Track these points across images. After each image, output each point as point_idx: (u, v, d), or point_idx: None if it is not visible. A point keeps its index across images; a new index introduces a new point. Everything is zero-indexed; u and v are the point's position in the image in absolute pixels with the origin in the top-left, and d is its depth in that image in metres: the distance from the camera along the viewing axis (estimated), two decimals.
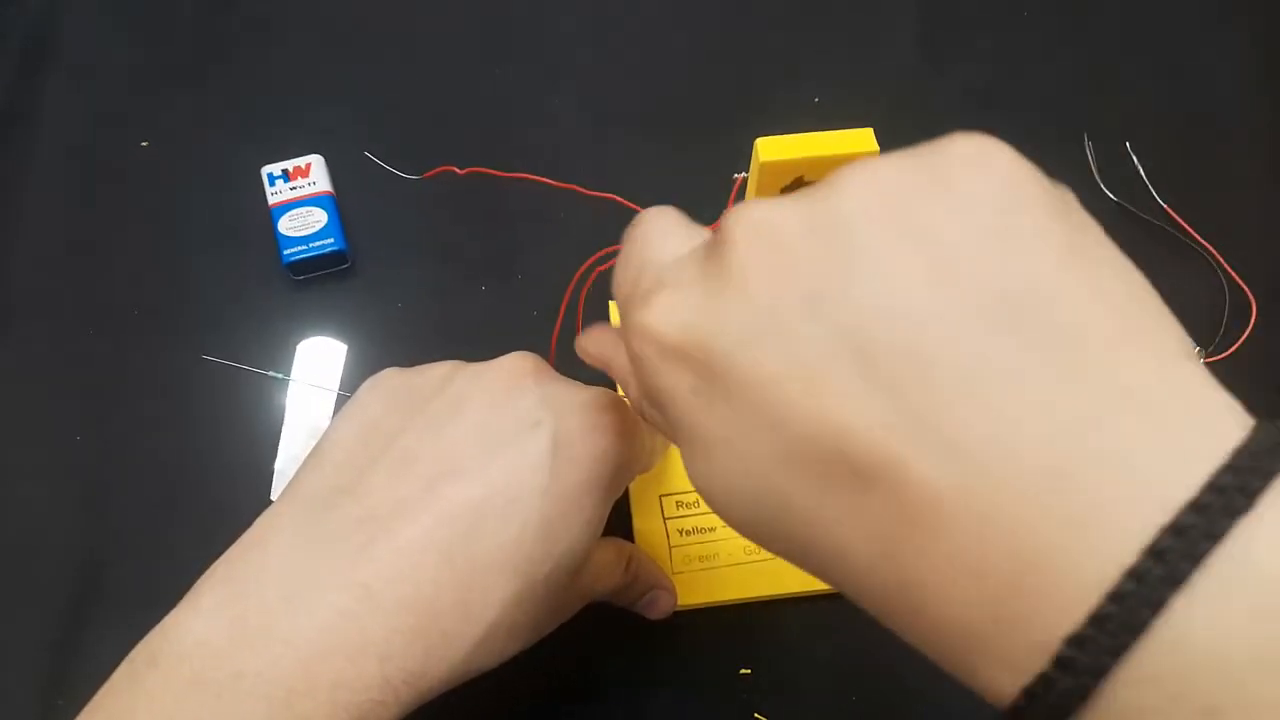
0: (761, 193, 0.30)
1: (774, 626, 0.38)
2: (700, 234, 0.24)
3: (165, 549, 0.39)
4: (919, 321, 0.16)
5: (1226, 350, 0.44)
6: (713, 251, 0.20)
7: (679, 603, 0.38)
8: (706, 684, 0.37)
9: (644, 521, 0.39)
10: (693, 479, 0.21)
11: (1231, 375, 0.47)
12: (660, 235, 0.24)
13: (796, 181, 0.30)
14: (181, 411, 0.42)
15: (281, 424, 0.41)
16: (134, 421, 0.41)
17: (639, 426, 0.31)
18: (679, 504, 0.39)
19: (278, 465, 0.41)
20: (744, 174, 0.31)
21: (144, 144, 0.48)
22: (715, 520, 0.39)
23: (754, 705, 0.37)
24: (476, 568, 0.26)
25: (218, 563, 0.27)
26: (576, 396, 0.29)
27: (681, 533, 0.39)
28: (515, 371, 0.30)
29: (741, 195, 0.32)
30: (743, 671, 0.38)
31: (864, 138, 0.29)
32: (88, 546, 0.39)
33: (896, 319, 0.17)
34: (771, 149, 0.29)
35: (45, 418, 0.42)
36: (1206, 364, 0.43)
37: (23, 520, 0.40)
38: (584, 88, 0.50)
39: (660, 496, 0.39)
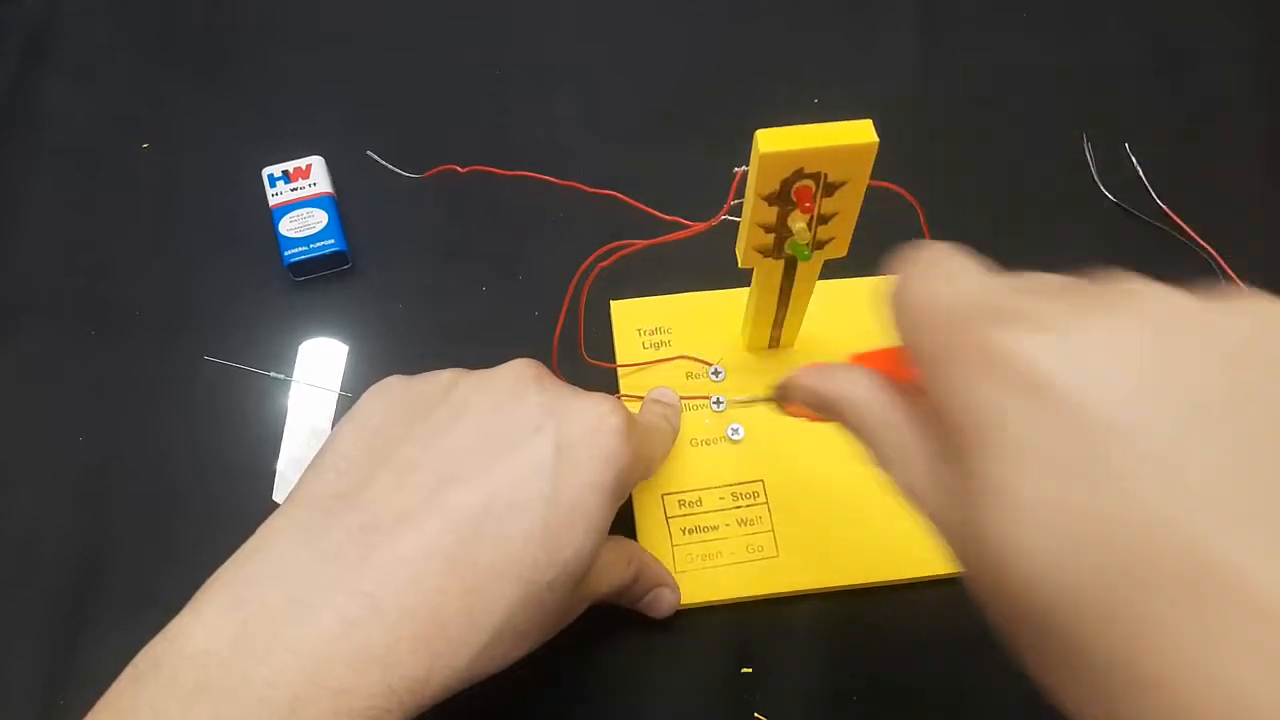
0: (762, 185, 0.30)
1: (774, 626, 0.38)
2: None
3: (165, 549, 0.39)
4: None
5: None
6: (1114, 311, 0.20)
7: (684, 601, 0.38)
8: (706, 684, 0.37)
9: (646, 520, 0.39)
10: (994, 530, 0.18)
11: None
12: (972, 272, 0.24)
13: (796, 174, 0.30)
14: (183, 412, 0.42)
15: (283, 425, 0.41)
16: (135, 422, 0.41)
17: (646, 433, 0.31)
18: (681, 503, 0.39)
19: (279, 466, 0.41)
20: (744, 168, 0.31)
21: (144, 145, 0.48)
22: (717, 519, 0.39)
23: (754, 705, 0.37)
24: (480, 575, 0.26)
25: (221, 569, 0.27)
26: (579, 402, 0.29)
27: (684, 531, 0.39)
28: (518, 378, 0.30)
29: (742, 189, 0.32)
30: (743, 671, 0.38)
31: (863, 129, 0.29)
32: (88, 546, 0.39)
33: None
34: (771, 140, 0.29)
35: (46, 418, 0.42)
36: None
37: (23, 520, 0.40)
38: (584, 87, 0.50)
39: (662, 495, 0.39)
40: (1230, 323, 0.18)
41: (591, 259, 0.37)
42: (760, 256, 0.34)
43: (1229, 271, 0.45)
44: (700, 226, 0.35)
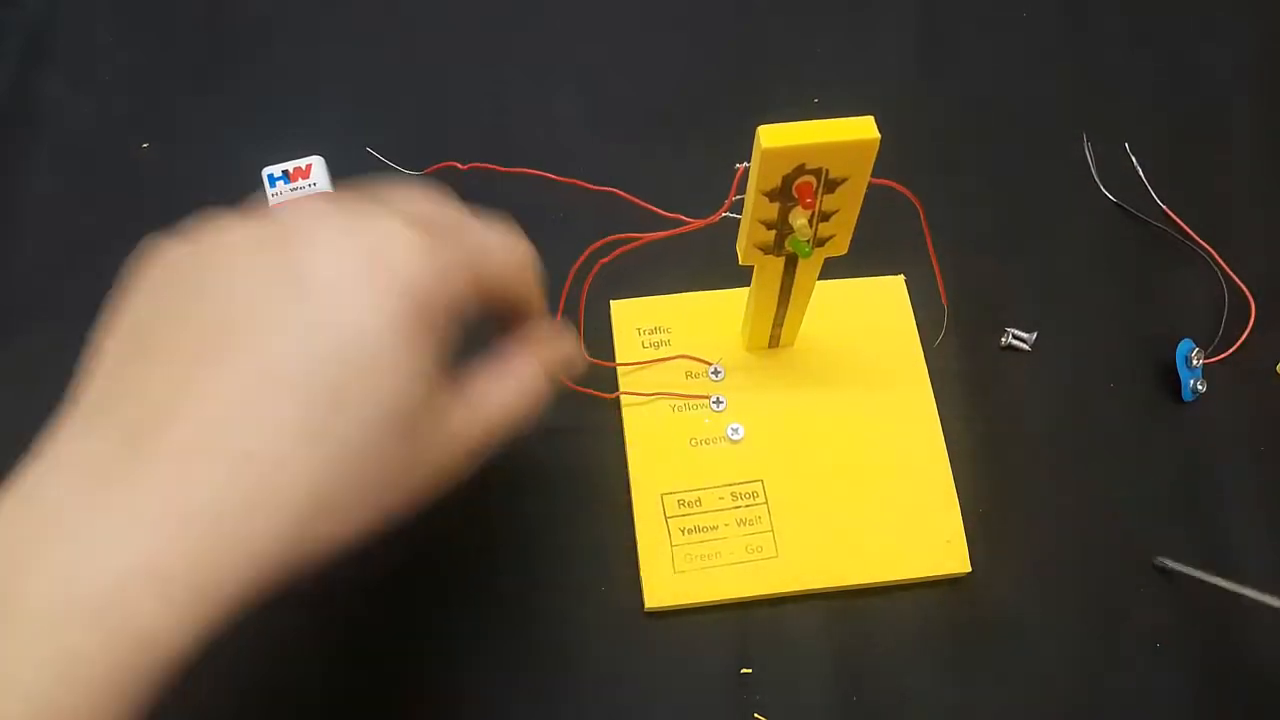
0: (763, 181, 0.30)
1: (774, 626, 0.38)
2: None
3: None
4: None
5: (1225, 351, 0.44)
6: None
7: (681, 601, 0.38)
8: (707, 684, 0.37)
9: (645, 520, 0.39)
10: None
11: (1231, 375, 0.47)
12: None
13: (798, 170, 0.30)
14: None
15: None
16: None
17: (463, 251, 0.27)
18: (680, 503, 0.39)
19: None
20: (745, 164, 0.31)
21: (144, 145, 0.48)
22: (716, 519, 0.39)
23: (754, 705, 0.37)
24: (255, 453, 0.23)
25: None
26: (351, 242, 0.25)
27: (683, 531, 0.39)
28: (281, 228, 0.26)
29: (743, 185, 0.32)
30: (743, 671, 0.38)
31: (865, 125, 0.29)
32: None
33: None
34: (773, 136, 0.29)
35: (46, 419, 0.42)
36: (1206, 364, 0.43)
37: None
38: (584, 86, 0.50)
39: (661, 495, 0.39)
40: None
41: (589, 252, 0.37)
42: (761, 254, 0.34)
43: (1229, 271, 0.45)
44: (701, 222, 0.35)
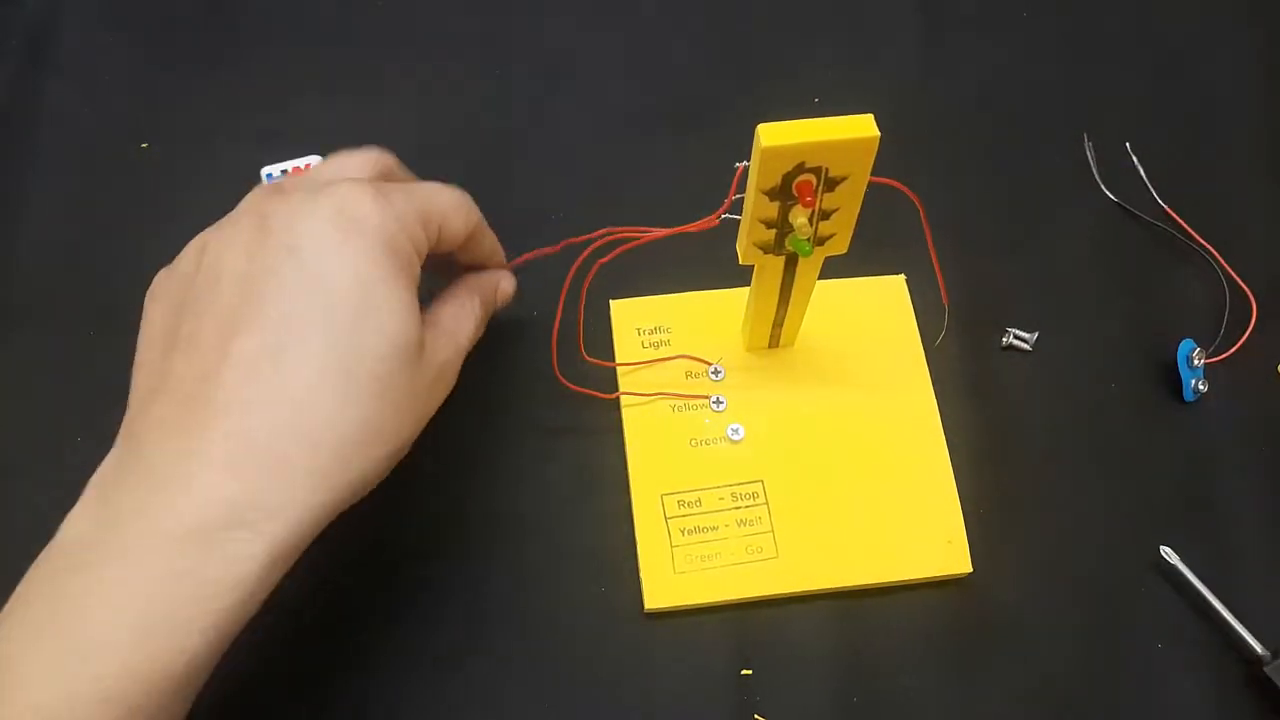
0: (764, 180, 0.30)
1: (774, 627, 0.38)
2: None
3: None
4: None
5: (1227, 351, 0.44)
6: None
7: (681, 602, 0.38)
8: (707, 685, 0.37)
9: (645, 521, 0.39)
10: None
11: (1232, 375, 0.47)
12: None
13: (798, 168, 0.30)
14: None
15: None
16: None
17: (411, 198, 0.32)
18: (680, 503, 0.39)
19: None
20: (745, 163, 0.31)
21: (144, 145, 0.48)
22: (716, 519, 0.39)
23: (754, 706, 0.37)
24: (295, 398, 0.27)
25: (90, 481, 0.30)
26: (318, 200, 0.30)
27: (683, 532, 0.39)
28: (254, 214, 0.31)
29: (743, 184, 0.32)
30: (743, 672, 0.38)
31: (865, 123, 0.29)
32: None
33: None
34: (773, 134, 0.29)
35: (45, 418, 0.42)
36: (1207, 364, 0.43)
37: (22, 521, 0.40)
38: (584, 86, 0.50)
39: (661, 496, 0.39)
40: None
41: (588, 252, 0.36)
42: (761, 253, 0.34)
43: (1230, 271, 0.45)
44: (700, 224, 0.35)
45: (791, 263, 0.35)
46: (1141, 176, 0.48)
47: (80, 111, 0.48)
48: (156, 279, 0.33)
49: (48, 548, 0.28)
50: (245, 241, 0.30)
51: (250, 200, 0.32)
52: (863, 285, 0.44)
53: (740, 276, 0.37)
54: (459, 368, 0.34)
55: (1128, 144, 0.48)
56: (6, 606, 0.28)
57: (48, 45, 0.50)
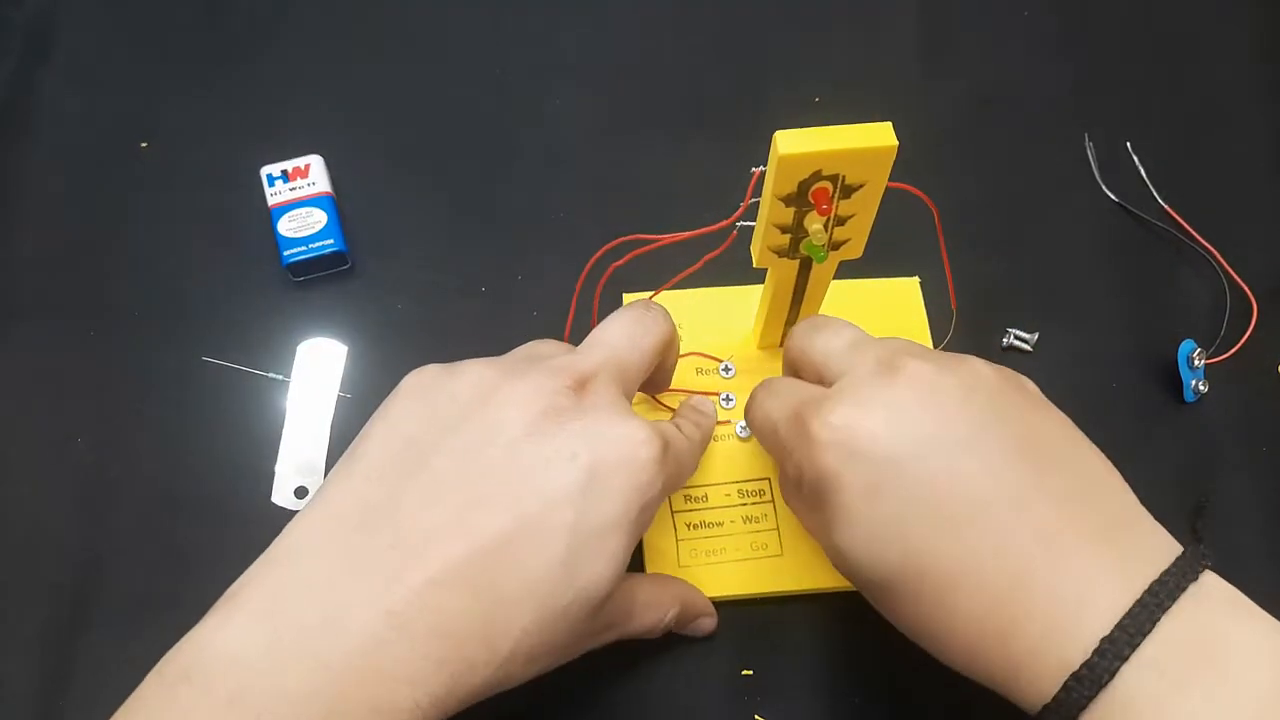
0: (779, 186, 0.30)
1: (776, 628, 0.38)
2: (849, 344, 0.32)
3: (165, 549, 0.39)
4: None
5: (1227, 351, 0.44)
6: (892, 380, 0.29)
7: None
8: (707, 684, 0.37)
9: None
10: (839, 540, 0.29)
11: (1232, 376, 0.47)
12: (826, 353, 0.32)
13: (814, 175, 0.30)
14: (181, 413, 0.42)
15: (282, 425, 0.41)
16: (134, 423, 0.41)
17: (679, 455, 0.31)
18: (687, 497, 0.39)
19: (277, 467, 0.41)
20: (761, 168, 0.31)
21: (143, 145, 0.48)
22: (723, 515, 0.39)
23: (755, 707, 0.37)
24: (500, 599, 0.27)
25: (248, 573, 0.27)
26: (616, 428, 0.29)
27: (689, 526, 0.39)
28: (554, 396, 0.29)
29: (759, 189, 0.31)
30: (744, 672, 0.38)
31: (883, 132, 0.29)
32: (88, 546, 0.39)
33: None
34: (790, 142, 0.28)
35: (45, 418, 0.42)
36: (1208, 365, 0.43)
37: (21, 520, 0.40)
38: (584, 87, 0.50)
39: None
40: (956, 380, 0.29)
41: (602, 252, 0.36)
42: (775, 256, 0.34)
43: (1231, 271, 0.45)
44: (715, 227, 0.34)
45: (806, 266, 0.35)
46: (1142, 176, 0.48)
47: (80, 111, 0.48)
48: (419, 376, 0.30)
49: (189, 655, 0.26)
50: (535, 418, 0.28)
51: (554, 374, 0.30)
52: (878, 286, 0.44)
53: (752, 274, 0.37)
54: (610, 638, 0.33)
55: (1128, 144, 0.48)
56: (129, 715, 0.26)
57: (47, 45, 0.50)
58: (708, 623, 0.37)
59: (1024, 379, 0.31)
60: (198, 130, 0.48)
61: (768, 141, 0.30)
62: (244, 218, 0.45)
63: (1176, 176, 0.48)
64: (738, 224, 0.33)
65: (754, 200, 0.32)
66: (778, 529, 0.39)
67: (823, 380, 0.32)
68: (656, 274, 0.38)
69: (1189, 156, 0.49)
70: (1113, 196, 0.48)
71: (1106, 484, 0.29)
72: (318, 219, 0.44)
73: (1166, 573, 0.25)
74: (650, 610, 0.34)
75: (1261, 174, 0.49)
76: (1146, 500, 0.33)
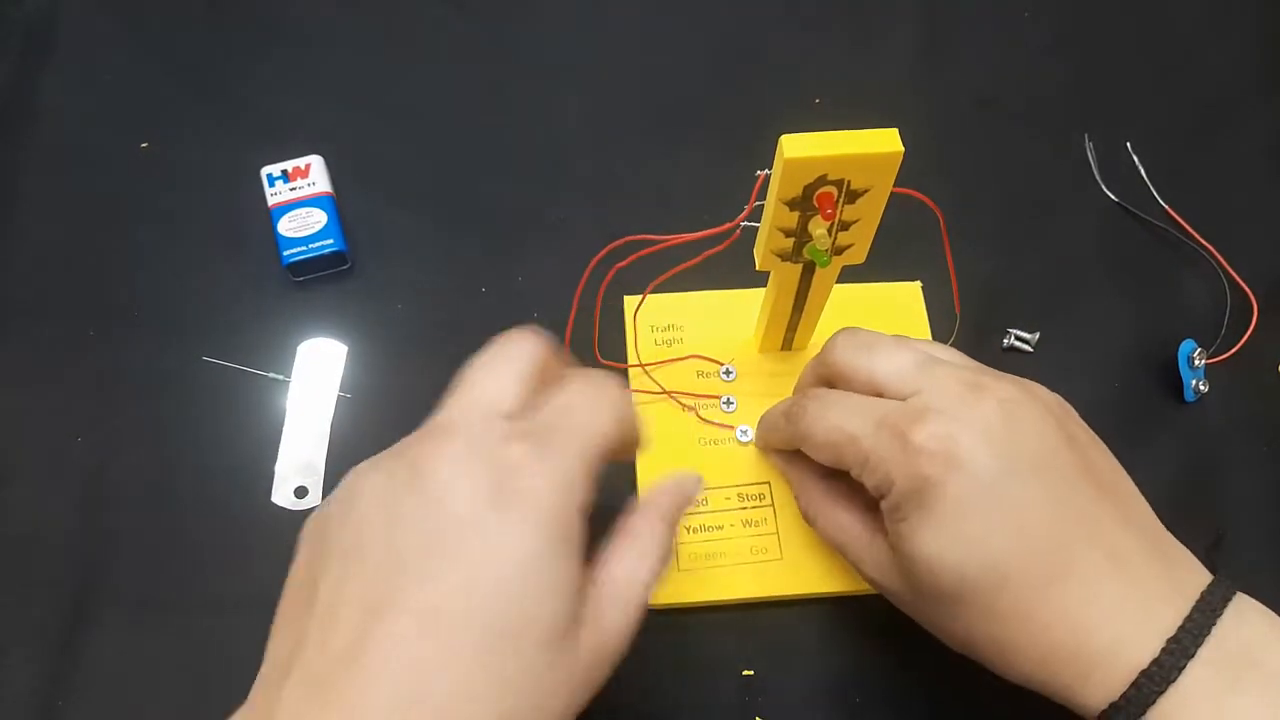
0: (784, 190, 0.30)
1: (776, 629, 0.38)
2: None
3: (165, 549, 0.39)
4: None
5: (1228, 351, 0.44)
6: (979, 399, 0.30)
7: (684, 599, 0.38)
8: (707, 685, 0.37)
9: None
10: (927, 547, 0.30)
11: (1233, 376, 0.47)
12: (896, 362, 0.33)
13: (819, 180, 0.30)
14: (181, 412, 0.42)
15: (282, 425, 0.41)
16: (134, 422, 0.41)
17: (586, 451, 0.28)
18: None
19: (277, 467, 0.41)
20: (766, 171, 0.31)
21: (144, 145, 0.47)
22: (722, 519, 0.39)
23: (755, 708, 0.37)
24: (442, 700, 0.24)
25: None
26: (477, 475, 0.26)
27: (688, 529, 0.39)
28: (409, 468, 0.27)
29: (763, 192, 0.31)
30: (745, 673, 0.38)
31: (889, 138, 0.29)
32: (88, 546, 0.39)
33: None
34: (796, 146, 0.28)
35: (45, 418, 0.42)
36: (1208, 365, 0.43)
37: (22, 520, 0.40)
38: (585, 87, 0.50)
39: None
40: (1033, 403, 0.31)
41: (605, 252, 0.36)
42: (778, 260, 0.34)
43: (1231, 271, 0.45)
44: (718, 229, 0.34)
45: (808, 270, 0.35)
46: (1142, 176, 0.48)
47: (80, 111, 0.48)
48: (310, 519, 0.28)
49: None
50: (392, 499, 0.26)
51: (406, 443, 0.27)
52: (880, 290, 0.44)
53: (755, 278, 0.37)
54: (630, 636, 0.29)
55: (1128, 144, 0.48)
56: None
57: (48, 44, 0.50)
58: (692, 489, 0.32)
59: (1070, 407, 0.33)
60: (198, 130, 0.48)
61: (768, 143, 0.30)
62: (244, 218, 0.45)
63: (1176, 176, 0.48)
64: (742, 224, 0.33)
65: (758, 203, 0.32)
66: (777, 533, 0.39)
67: (880, 395, 0.33)
68: (658, 275, 0.38)
69: (1189, 156, 0.49)
70: (1113, 196, 0.48)
71: (1141, 503, 0.32)
72: (318, 219, 0.44)
73: (1211, 585, 0.29)
74: (633, 573, 0.29)
75: (1261, 174, 0.49)
76: (1146, 499, 0.33)
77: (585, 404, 0.29)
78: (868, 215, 0.32)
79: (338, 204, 0.45)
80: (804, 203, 0.31)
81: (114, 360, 0.43)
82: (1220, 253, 0.46)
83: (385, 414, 0.42)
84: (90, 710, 0.36)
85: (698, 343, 0.42)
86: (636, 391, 0.41)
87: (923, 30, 0.52)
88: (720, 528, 0.39)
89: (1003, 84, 0.51)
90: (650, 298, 0.41)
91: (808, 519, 0.37)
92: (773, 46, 0.51)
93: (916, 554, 0.30)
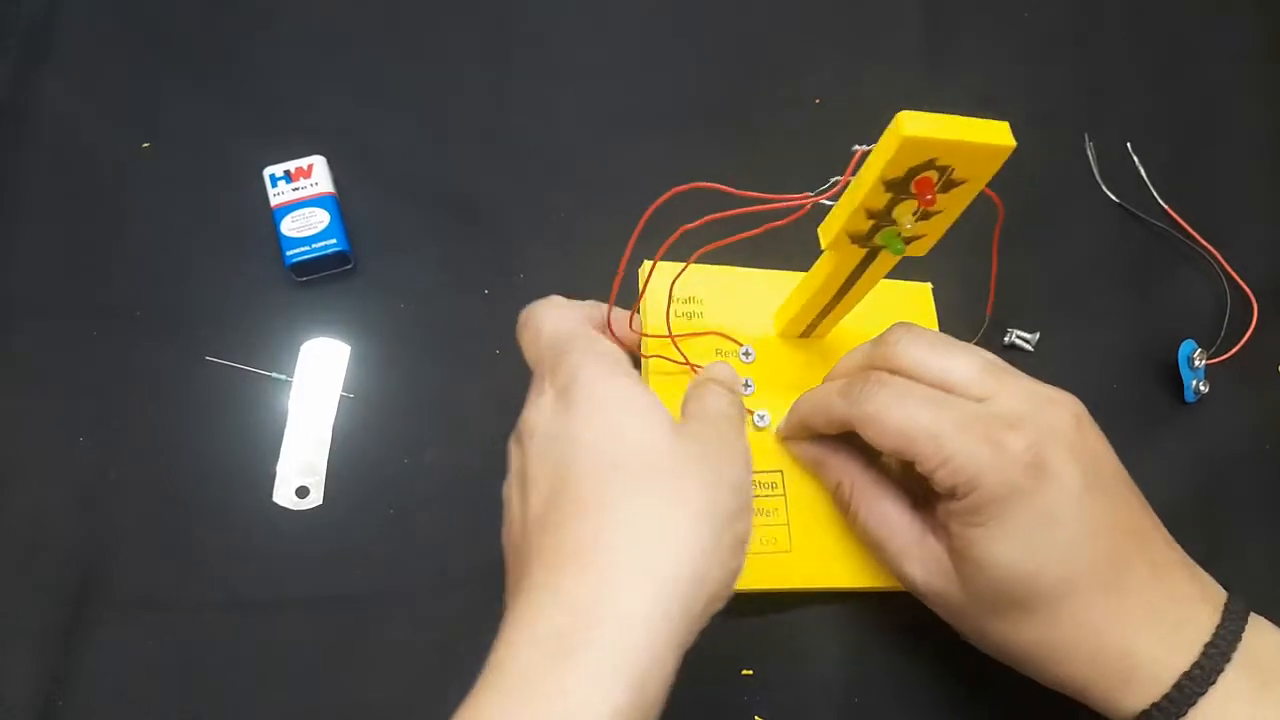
0: (891, 169, 0.28)
1: (776, 628, 0.38)
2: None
3: (165, 549, 0.39)
4: None
5: (1228, 351, 0.44)
6: (1055, 413, 0.32)
7: None
8: (707, 684, 0.37)
9: None
10: (1003, 553, 0.30)
11: (1233, 376, 0.47)
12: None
13: (927, 163, 0.28)
14: (184, 413, 0.42)
15: (284, 426, 0.41)
16: (136, 423, 0.41)
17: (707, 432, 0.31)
18: None
19: (279, 468, 0.41)
20: (865, 147, 0.29)
21: (145, 145, 0.47)
22: None
23: (755, 707, 0.37)
24: (678, 574, 0.28)
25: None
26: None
27: None
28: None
29: (857, 169, 0.30)
30: (744, 672, 0.38)
31: (1000, 130, 0.28)
32: (88, 546, 0.39)
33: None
34: (915, 124, 0.27)
35: (47, 418, 0.42)
36: (1208, 365, 0.43)
37: (23, 520, 0.40)
38: (585, 86, 0.50)
39: None
40: (1088, 419, 0.33)
41: (657, 204, 0.33)
42: (848, 241, 0.32)
43: (1231, 272, 0.45)
44: (795, 198, 0.31)
45: (869, 257, 0.34)
46: (1143, 177, 0.48)
47: (80, 111, 0.48)
48: (514, 438, 0.31)
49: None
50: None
51: (578, 372, 0.31)
52: (892, 288, 0.43)
53: (777, 259, 0.36)
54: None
55: (1128, 144, 0.49)
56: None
57: (48, 45, 0.50)
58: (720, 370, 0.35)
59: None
60: (200, 130, 0.48)
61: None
62: (247, 218, 0.45)
63: (1177, 177, 0.48)
64: (817, 201, 0.31)
65: (834, 179, 0.30)
66: (788, 524, 0.38)
67: (949, 393, 0.33)
68: (684, 243, 0.35)
69: (1189, 157, 0.49)
70: (1113, 197, 0.48)
71: (1153, 514, 0.33)
72: (320, 219, 0.44)
73: (1234, 597, 0.31)
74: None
75: (1261, 174, 0.49)
76: (1147, 499, 0.33)
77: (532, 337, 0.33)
78: (952, 208, 0.31)
79: (340, 204, 0.45)
80: (902, 185, 0.29)
81: (116, 360, 0.43)
82: (1220, 253, 0.46)
83: (388, 414, 0.42)
84: (90, 710, 0.36)
85: (719, 318, 0.40)
86: (652, 356, 0.39)
87: (923, 30, 0.52)
88: None
89: (1004, 84, 0.51)
90: (672, 266, 0.37)
91: (844, 509, 0.36)
92: (773, 46, 0.51)
93: (987, 559, 0.31)
